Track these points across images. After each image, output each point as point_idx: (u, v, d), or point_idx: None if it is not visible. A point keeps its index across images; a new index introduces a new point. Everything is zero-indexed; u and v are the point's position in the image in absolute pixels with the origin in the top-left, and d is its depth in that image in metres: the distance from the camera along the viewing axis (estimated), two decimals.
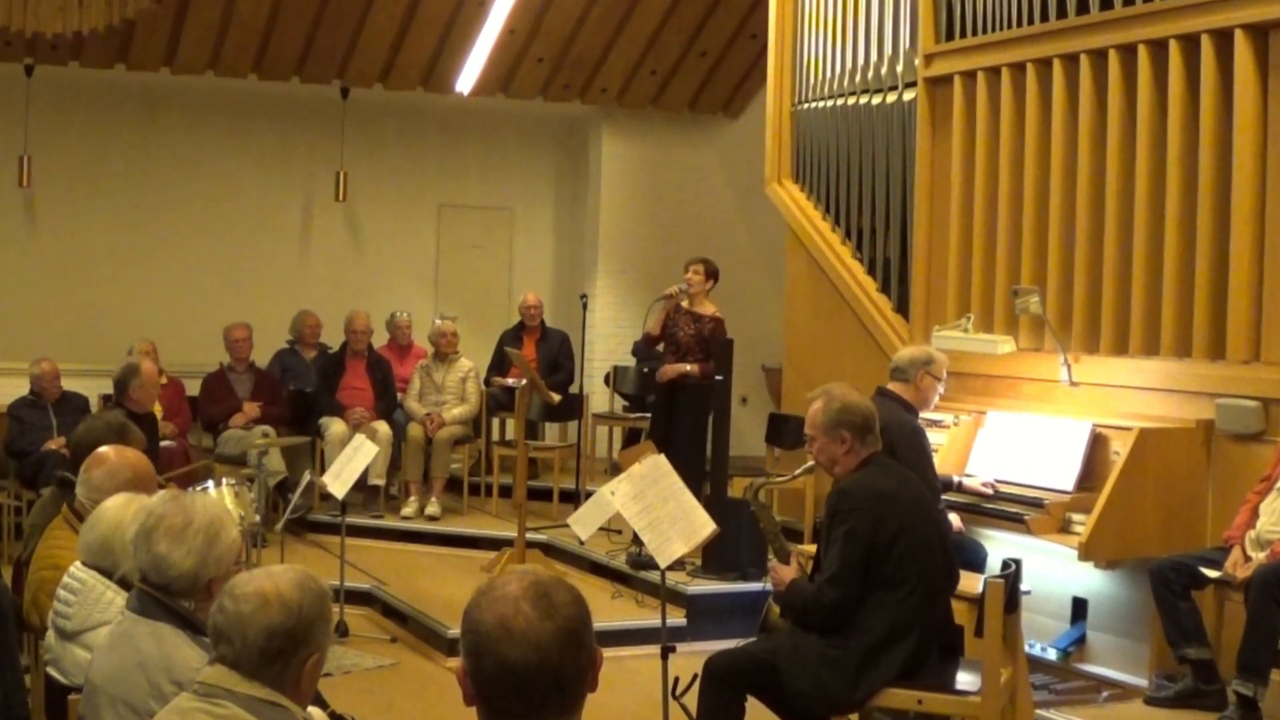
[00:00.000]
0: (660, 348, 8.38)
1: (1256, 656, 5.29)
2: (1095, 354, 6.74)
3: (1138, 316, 6.51)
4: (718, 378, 7.74)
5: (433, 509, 9.11)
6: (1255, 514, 5.68)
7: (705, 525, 4.89)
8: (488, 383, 9.89)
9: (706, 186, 12.00)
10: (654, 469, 4.94)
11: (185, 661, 2.90)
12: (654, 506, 4.84)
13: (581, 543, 8.01)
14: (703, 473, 7.61)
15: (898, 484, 4.44)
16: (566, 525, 8.26)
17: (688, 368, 7.94)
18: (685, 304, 8.06)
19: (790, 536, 8.19)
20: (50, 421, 8.37)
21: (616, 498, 4.89)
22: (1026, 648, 5.42)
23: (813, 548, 5.76)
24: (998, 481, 6.45)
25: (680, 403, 7.99)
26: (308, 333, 10.05)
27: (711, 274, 8.09)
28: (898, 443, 5.30)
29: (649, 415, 9.44)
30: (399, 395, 9.61)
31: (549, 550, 8.33)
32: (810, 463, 4.70)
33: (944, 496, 6.17)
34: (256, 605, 2.49)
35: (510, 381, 9.61)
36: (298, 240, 11.66)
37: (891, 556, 4.28)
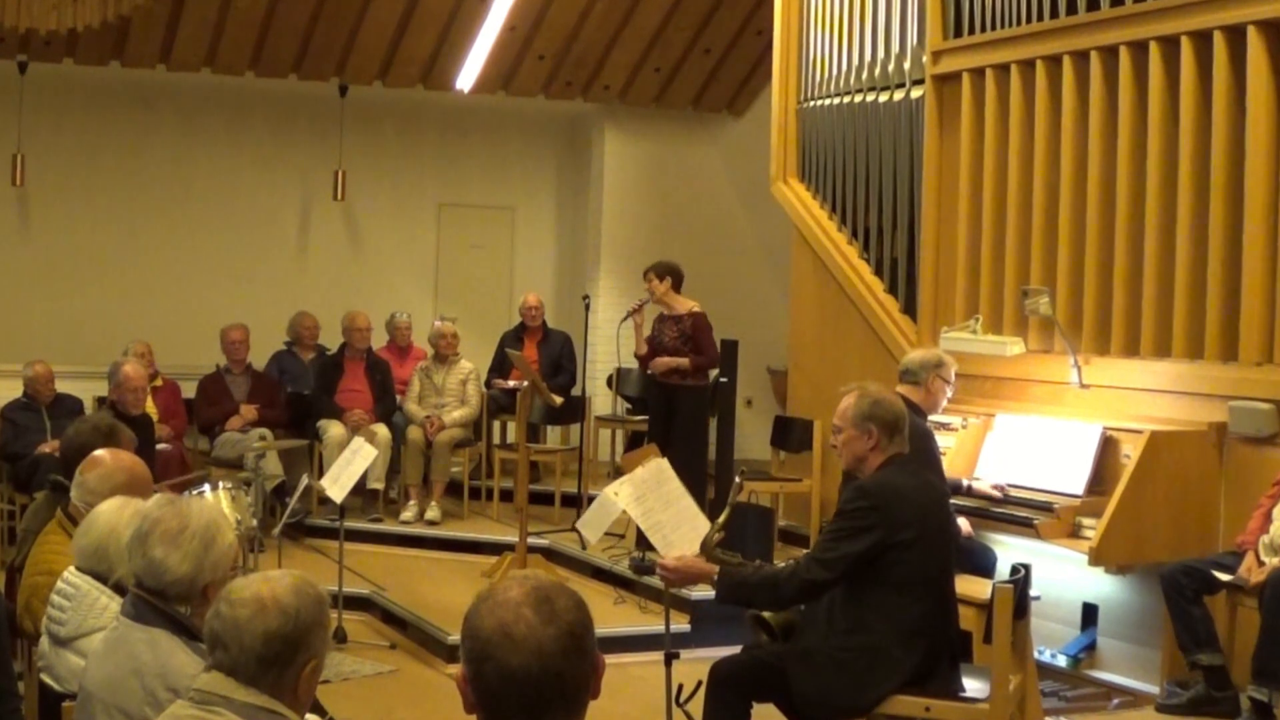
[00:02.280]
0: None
1: (1271, 662, 5.26)
2: (1106, 356, 6.70)
3: (1149, 318, 6.47)
4: (722, 380, 7.67)
5: (432, 513, 9.03)
6: (1269, 518, 5.65)
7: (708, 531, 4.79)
8: (488, 385, 9.83)
9: (711, 186, 11.95)
10: (656, 473, 4.87)
11: (181, 668, 2.87)
12: (655, 511, 4.77)
13: (584, 548, 7.95)
14: (703, 475, 7.53)
15: (918, 486, 4.39)
16: (569, 530, 8.24)
17: (680, 361, 7.89)
18: (664, 310, 8.01)
19: (796, 542, 8.21)
20: (44, 424, 8.31)
21: (621, 498, 4.81)
22: (1036, 654, 5.43)
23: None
24: (1007, 485, 6.39)
25: (678, 404, 7.93)
26: (305, 334, 9.96)
27: (665, 274, 8.02)
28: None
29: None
30: (398, 397, 9.53)
31: (551, 555, 8.27)
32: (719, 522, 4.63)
33: (953, 500, 6.11)
34: (254, 611, 2.46)
35: (511, 383, 9.55)
36: (295, 240, 11.61)
37: (905, 559, 4.23)
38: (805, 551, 4.69)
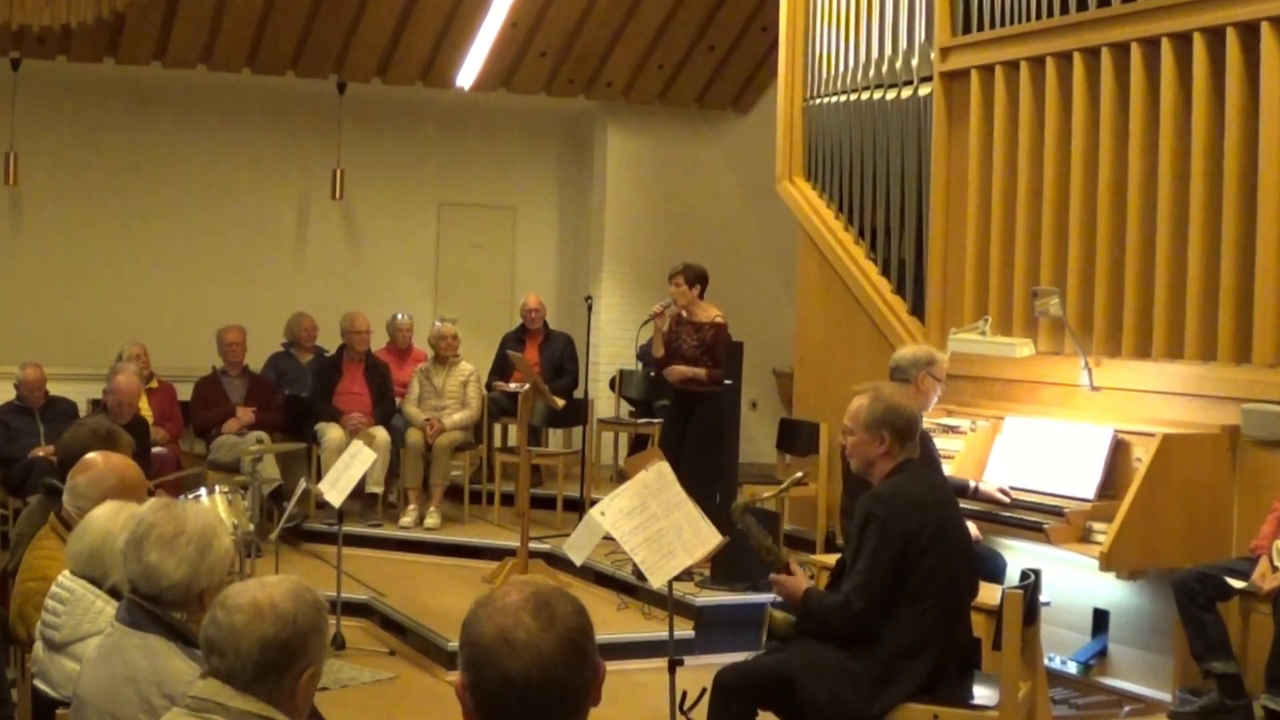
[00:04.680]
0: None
1: None
2: (1117, 357, 6.66)
3: (1161, 319, 6.44)
4: (726, 382, 7.59)
5: (432, 518, 8.97)
6: None
7: (711, 537, 4.76)
8: (489, 387, 9.78)
9: (715, 185, 11.90)
10: (659, 477, 4.82)
11: (177, 674, 2.86)
12: (658, 517, 4.72)
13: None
14: (715, 484, 7.45)
15: (931, 492, 4.37)
16: (568, 534, 8.16)
17: (697, 372, 7.78)
18: (685, 314, 7.90)
19: (802, 546, 8.14)
20: (37, 427, 8.27)
21: (606, 518, 4.72)
22: (1046, 661, 5.39)
23: (827, 558, 5.62)
24: (1015, 489, 6.33)
25: (695, 412, 7.82)
26: (303, 335, 9.90)
27: (695, 280, 7.86)
28: None
29: (656, 421, 9.30)
30: (397, 400, 9.46)
31: (552, 560, 8.19)
32: (799, 474, 4.58)
33: (960, 503, 6.03)
34: (250, 616, 2.45)
35: (512, 386, 9.49)
36: (293, 240, 11.55)
37: (920, 568, 4.21)
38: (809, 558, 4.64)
